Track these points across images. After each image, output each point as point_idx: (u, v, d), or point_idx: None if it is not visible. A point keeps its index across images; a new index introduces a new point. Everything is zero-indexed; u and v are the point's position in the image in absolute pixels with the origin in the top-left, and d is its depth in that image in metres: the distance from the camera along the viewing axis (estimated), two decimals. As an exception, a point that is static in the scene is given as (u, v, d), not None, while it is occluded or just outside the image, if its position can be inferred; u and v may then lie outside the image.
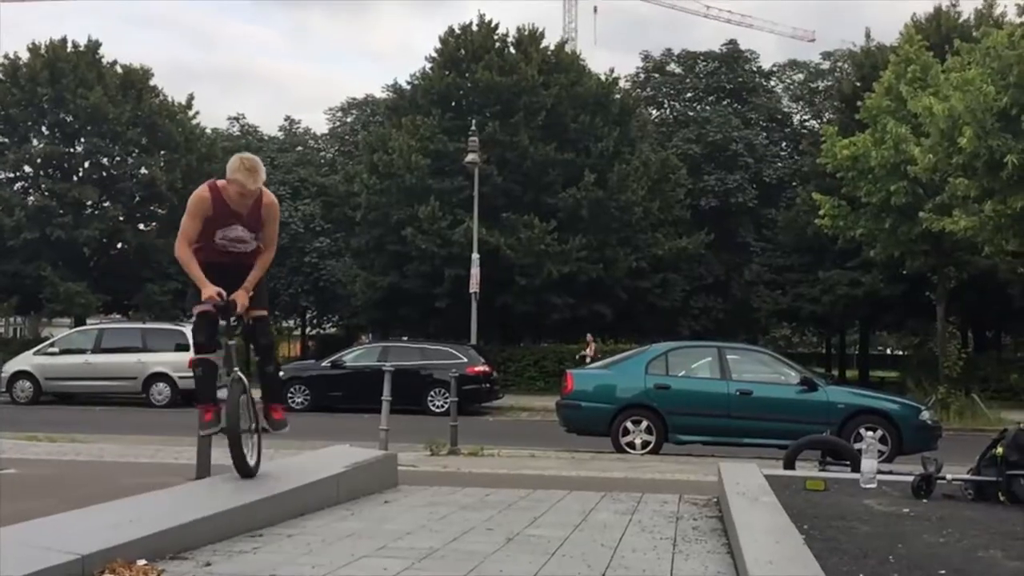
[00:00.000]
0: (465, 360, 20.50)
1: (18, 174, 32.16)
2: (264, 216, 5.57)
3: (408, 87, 32.62)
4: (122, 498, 5.04)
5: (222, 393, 5.42)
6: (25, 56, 31.12)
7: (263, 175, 5.45)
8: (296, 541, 4.65)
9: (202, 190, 5.52)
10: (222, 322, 5.42)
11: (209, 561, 4.09)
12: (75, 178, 31.25)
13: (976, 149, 17.69)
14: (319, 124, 64.74)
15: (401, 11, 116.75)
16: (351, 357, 21.64)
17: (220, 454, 8.55)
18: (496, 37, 30.72)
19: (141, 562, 3.77)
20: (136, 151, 31.67)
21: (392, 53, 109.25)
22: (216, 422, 5.45)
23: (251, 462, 5.44)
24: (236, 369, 5.42)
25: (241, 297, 5.43)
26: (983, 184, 18.35)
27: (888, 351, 56.98)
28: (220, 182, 5.51)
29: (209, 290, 5.32)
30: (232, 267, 5.52)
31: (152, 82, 32.76)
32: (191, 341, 5.95)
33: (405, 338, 26.38)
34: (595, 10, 59.88)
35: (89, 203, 31.03)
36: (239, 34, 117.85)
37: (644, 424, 12.58)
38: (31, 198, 31.17)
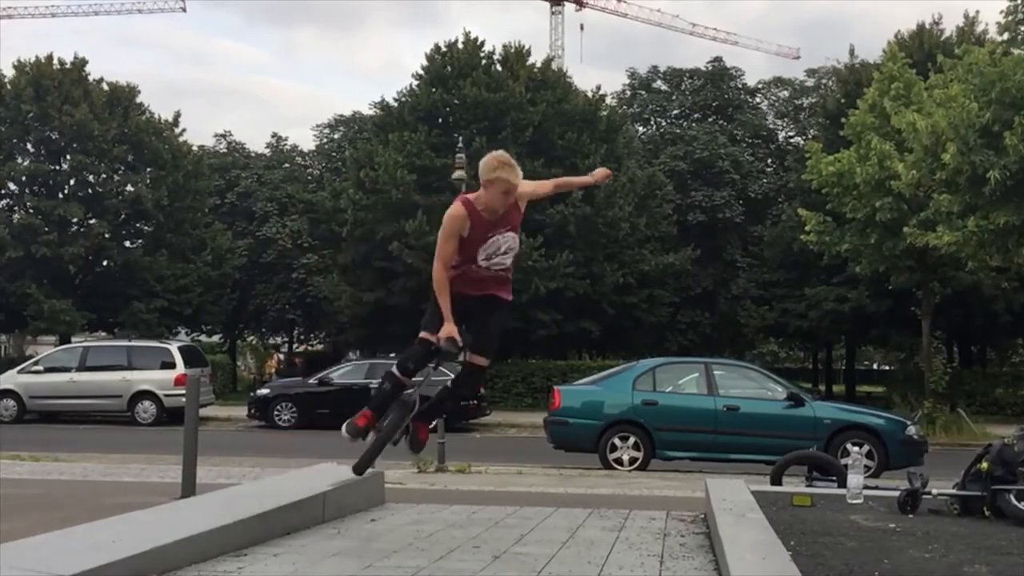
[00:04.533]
0: (452, 377, 20.46)
1: (3, 192, 32.05)
2: (523, 207, 5.37)
3: (395, 104, 32.68)
4: (106, 518, 5.00)
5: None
6: (10, 73, 31.07)
7: (519, 168, 5.24)
8: (281, 560, 4.62)
9: (457, 208, 5.23)
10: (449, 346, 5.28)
11: (193, 581, 4.06)
12: (60, 195, 31.13)
13: (959, 165, 17.84)
14: (306, 141, 64.84)
15: (390, 30, 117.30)
16: (338, 374, 21.59)
17: (204, 473, 8.51)
18: (482, 54, 30.86)
19: (124, 583, 3.74)
20: (122, 168, 31.59)
21: (381, 71, 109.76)
22: (364, 432, 5.46)
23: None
24: (415, 390, 5.37)
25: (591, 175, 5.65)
26: (966, 200, 18.49)
27: (874, 366, 57.18)
28: (470, 195, 5.29)
29: (450, 327, 5.18)
30: (486, 296, 5.37)
31: (139, 99, 32.76)
32: (401, 362, 5.59)
33: (392, 355, 26.33)
34: (581, 28, 60.41)
35: (74, 220, 30.89)
36: (229, 52, 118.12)
37: (631, 440, 12.58)
38: (16, 216, 31.02)
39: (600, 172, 5.68)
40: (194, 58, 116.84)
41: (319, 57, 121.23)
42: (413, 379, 5.47)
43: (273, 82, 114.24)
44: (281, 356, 36.66)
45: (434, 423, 5.76)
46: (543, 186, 5.76)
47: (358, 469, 5.39)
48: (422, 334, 5.39)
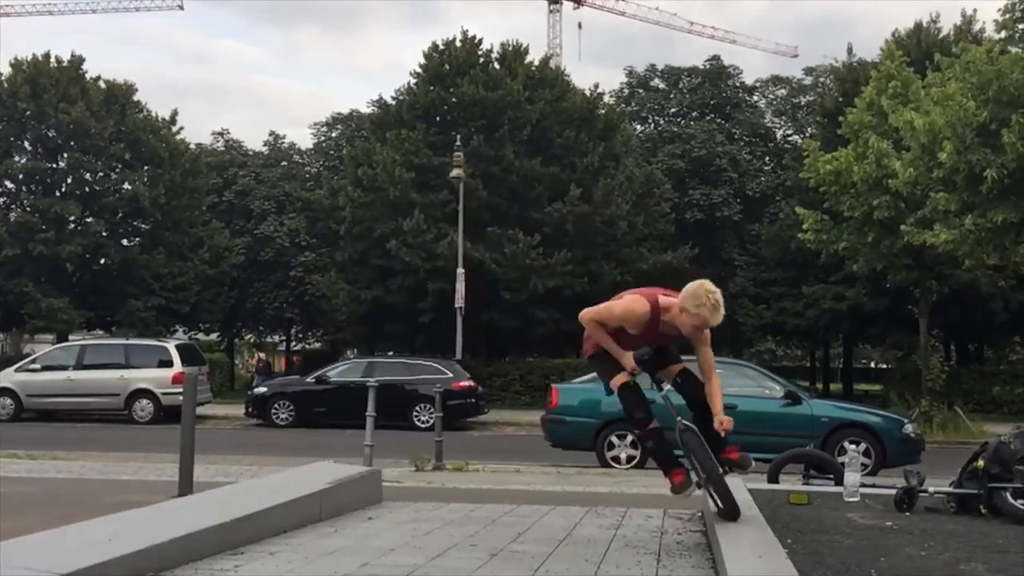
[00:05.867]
0: (450, 375, 20.47)
1: (0, 190, 31.99)
2: (691, 338, 5.27)
3: (393, 102, 32.66)
4: (103, 516, 5.00)
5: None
6: (7, 72, 31.03)
7: (723, 310, 5.13)
8: (278, 559, 4.62)
9: (642, 305, 5.18)
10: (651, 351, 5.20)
11: (190, 580, 4.06)
12: (57, 193, 31.07)
13: (956, 163, 17.84)
14: (304, 139, 64.74)
15: (390, 30, 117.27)
16: (336, 372, 21.57)
17: (201, 471, 8.51)
18: (480, 52, 30.84)
19: (121, 581, 3.75)
20: (119, 166, 31.53)
21: (381, 71, 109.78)
22: (689, 483, 5.30)
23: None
24: (680, 419, 5.25)
25: (719, 420, 5.22)
26: (963, 198, 18.49)
27: (872, 364, 57.25)
28: (664, 300, 5.19)
29: (628, 360, 5.15)
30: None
31: (137, 97, 32.67)
32: (628, 414, 5.43)
33: (390, 353, 26.34)
34: (579, 26, 60.38)
35: (72, 218, 30.83)
36: (229, 52, 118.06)
37: (629, 438, 12.57)
38: (13, 214, 30.97)
39: (724, 421, 5.32)
40: (195, 58, 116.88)
41: (320, 57, 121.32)
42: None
43: (274, 82, 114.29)
44: (262, 355, 36.19)
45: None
46: (707, 351, 5.52)
47: (731, 515, 5.12)
48: (615, 383, 5.32)
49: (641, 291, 5.36)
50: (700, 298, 5.06)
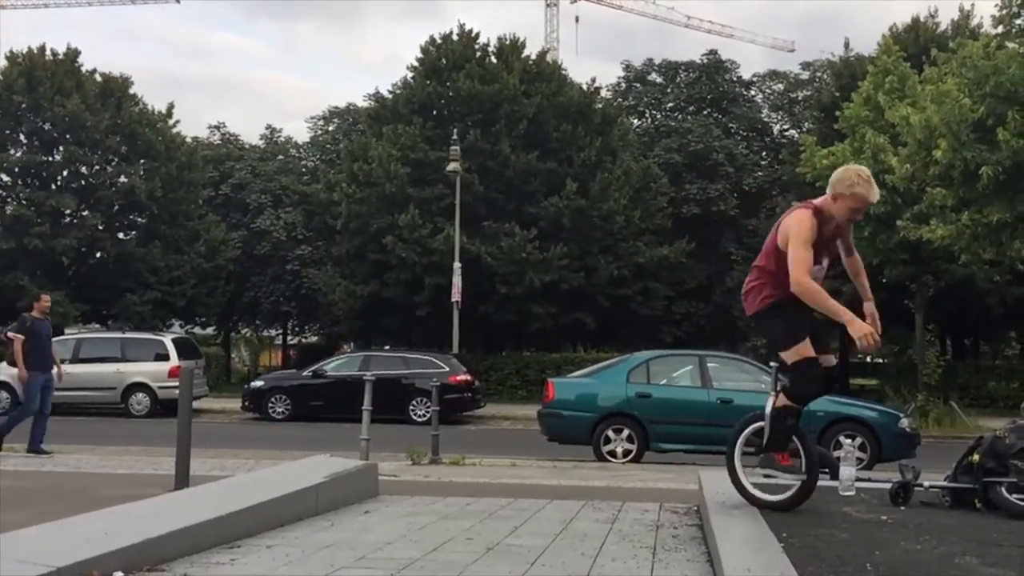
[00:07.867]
0: (447, 369, 20.48)
1: (-5, 183, 31.94)
2: (848, 234, 5.19)
3: (389, 96, 32.61)
4: (99, 510, 5.00)
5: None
6: (2, 64, 30.93)
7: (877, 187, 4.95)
8: (275, 552, 4.63)
9: (807, 216, 4.95)
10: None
11: (186, 573, 4.07)
12: (53, 187, 31.00)
13: (952, 160, 17.85)
14: (300, 133, 64.64)
15: (390, 24, 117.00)
16: (332, 366, 21.56)
17: (198, 465, 8.50)
18: (477, 46, 30.79)
19: (117, 575, 3.75)
20: (115, 159, 31.46)
21: (381, 65, 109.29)
22: (798, 468, 5.32)
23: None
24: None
25: (870, 308, 5.22)
26: (960, 194, 18.52)
27: (868, 359, 57.20)
28: (816, 201, 5.00)
29: (860, 325, 4.81)
30: None
31: (134, 91, 32.60)
32: (798, 390, 5.17)
33: (387, 347, 26.33)
34: (576, 20, 60.20)
35: (67, 212, 30.77)
36: (229, 46, 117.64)
37: (625, 432, 12.62)
38: (8, 207, 30.90)
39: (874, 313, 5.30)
40: (193, 51, 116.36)
41: (320, 51, 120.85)
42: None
43: (274, 76, 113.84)
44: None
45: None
46: (855, 254, 5.55)
47: (793, 505, 5.40)
48: (800, 354, 5.02)
49: (793, 210, 5.16)
50: (851, 178, 4.92)
